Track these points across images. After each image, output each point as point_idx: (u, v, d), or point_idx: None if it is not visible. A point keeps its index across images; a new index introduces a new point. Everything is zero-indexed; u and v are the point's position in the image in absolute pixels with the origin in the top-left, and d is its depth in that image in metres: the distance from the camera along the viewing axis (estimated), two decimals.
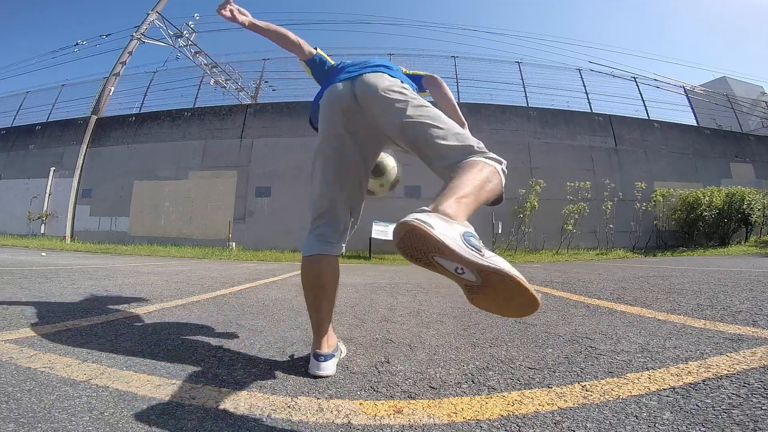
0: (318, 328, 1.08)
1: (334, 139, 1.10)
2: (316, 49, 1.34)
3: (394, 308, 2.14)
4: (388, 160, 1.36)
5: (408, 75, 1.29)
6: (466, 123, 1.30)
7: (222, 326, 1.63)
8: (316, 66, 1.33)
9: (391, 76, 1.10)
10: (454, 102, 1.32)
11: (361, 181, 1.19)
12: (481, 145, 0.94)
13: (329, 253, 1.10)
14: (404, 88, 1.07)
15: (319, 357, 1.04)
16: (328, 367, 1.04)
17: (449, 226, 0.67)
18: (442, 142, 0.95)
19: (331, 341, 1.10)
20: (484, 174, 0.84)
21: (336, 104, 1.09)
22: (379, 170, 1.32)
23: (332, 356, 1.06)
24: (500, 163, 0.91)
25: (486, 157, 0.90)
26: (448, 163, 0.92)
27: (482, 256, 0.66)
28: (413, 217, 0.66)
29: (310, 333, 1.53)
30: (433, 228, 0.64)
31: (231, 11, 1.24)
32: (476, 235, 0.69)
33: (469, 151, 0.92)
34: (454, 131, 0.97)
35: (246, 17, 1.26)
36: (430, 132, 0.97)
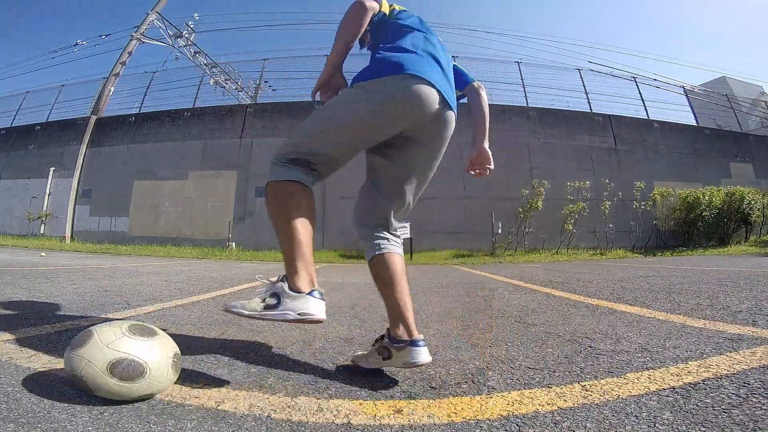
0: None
1: (378, 131, 1.03)
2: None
3: None
4: (159, 368, 0.81)
5: (454, 70, 1.22)
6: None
7: (222, 326, 1.63)
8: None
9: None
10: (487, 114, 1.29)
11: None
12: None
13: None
14: None
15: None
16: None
17: None
18: (410, 205, 1.14)
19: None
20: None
21: (420, 111, 0.99)
22: (132, 375, 0.78)
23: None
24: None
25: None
26: (400, 225, 1.15)
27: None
28: None
29: (309, 333, 1.54)
30: None
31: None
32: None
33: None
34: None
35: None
36: (416, 194, 1.14)
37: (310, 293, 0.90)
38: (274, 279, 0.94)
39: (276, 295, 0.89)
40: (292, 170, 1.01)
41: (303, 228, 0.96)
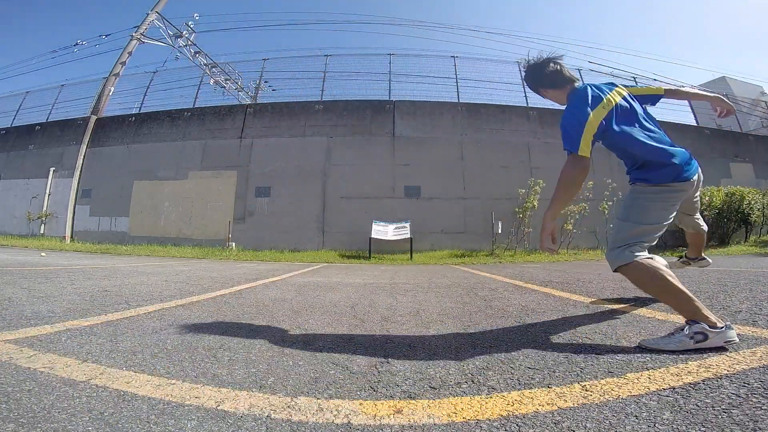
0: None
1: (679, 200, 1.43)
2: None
3: (394, 308, 2.14)
4: None
5: (642, 95, 1.63)
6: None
7: (221, 326, 1.63)
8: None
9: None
10: (695, 91, 1.77)
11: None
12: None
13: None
14: None
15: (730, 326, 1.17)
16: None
17: None
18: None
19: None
20: None
21: (695, 187, 1.47)
22: None
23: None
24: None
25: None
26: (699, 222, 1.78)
27: None
28: None
29: (309, 333, 1.54)
30: None
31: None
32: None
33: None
34: None
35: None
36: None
37: (727, 327, 1.16)
38: (684, 324, 1.21)
39: (702, 334, 1.15)
40: (637, 250, 1.32)
41: (679, 283, 1.22)
